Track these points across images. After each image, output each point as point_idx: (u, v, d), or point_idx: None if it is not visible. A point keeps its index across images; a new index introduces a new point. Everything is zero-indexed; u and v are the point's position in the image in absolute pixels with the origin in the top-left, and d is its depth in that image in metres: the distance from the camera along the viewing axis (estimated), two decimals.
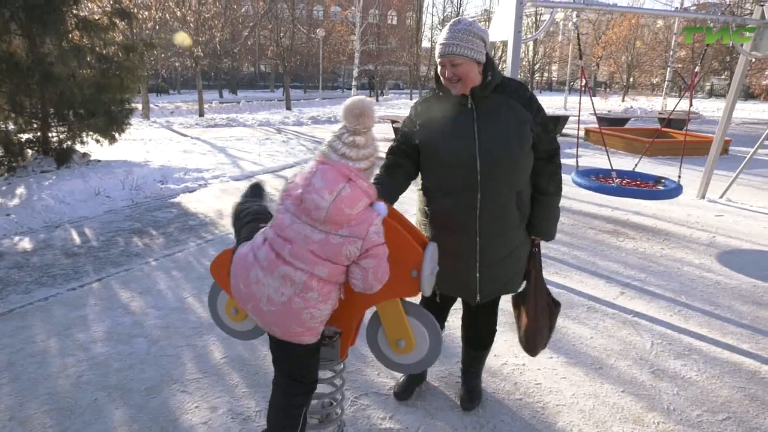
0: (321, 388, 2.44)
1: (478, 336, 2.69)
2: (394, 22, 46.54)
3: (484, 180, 2.20)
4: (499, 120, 2.20)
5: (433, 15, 41.12)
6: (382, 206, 1.95)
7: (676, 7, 24.58)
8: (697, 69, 6.32)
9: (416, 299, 2.19)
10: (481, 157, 2.18)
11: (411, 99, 32.89)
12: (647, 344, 3.44)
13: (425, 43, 38.48)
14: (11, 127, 8.30)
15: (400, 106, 27.58)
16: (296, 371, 2.06)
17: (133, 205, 6.69)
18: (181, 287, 4.19)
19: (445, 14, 33.11)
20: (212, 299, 2.40)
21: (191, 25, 18.00)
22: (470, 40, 2.13)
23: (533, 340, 2.54)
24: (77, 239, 5.34)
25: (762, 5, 6.26)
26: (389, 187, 2.34)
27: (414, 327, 2.14)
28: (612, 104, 28.70)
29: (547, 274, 4.52)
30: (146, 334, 3.46)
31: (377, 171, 2.16)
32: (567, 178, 6.88)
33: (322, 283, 1.86)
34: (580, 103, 6.17)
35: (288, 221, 1.86)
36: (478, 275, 2.34)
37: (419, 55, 31.38)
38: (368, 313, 2.19)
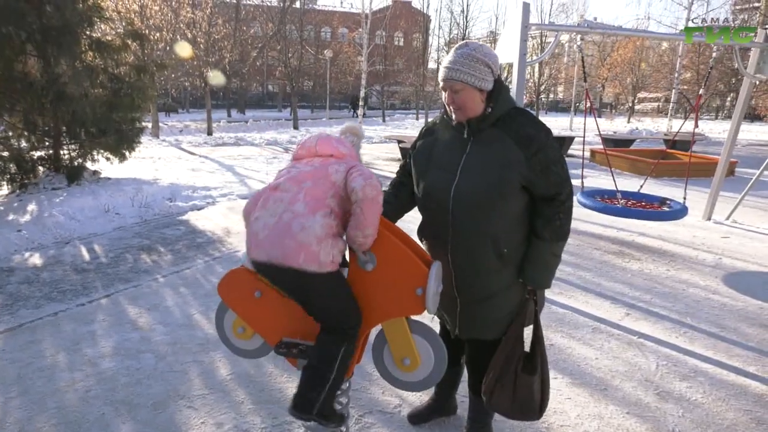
0: None
1: (471, 377, 2.46)
2: (401, 44, 47.12)
3: (454, 218, 2.11)
4: (486, 159, 2.06)
5: (439, 37, 41.51)
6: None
7: (680, 30, 24.78)
8: (701, 92, 6.37)
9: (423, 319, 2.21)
10: (454, 196, 2.09)
11: (417, 119, 33.12)
12: (652, 366, 3.44)
13: (431, 64, 38.89)
14: (24, 144, 8.45)
15: (406, 126, 27.80)
16: (319, 313, 2.04)
17: (142, 222, 6.77)
18: (189, 304, 4.23)
19: (451, 36, 33.46)
20: (219, 318, 2.43)
21: (201, 46, 18.32)
22: (473, 65, 2.02)
23: (494, 391, 2.23)
24: (87, 255, 5.41)
25: (766, 29, 6.34)
26: (391, 204, 2.38)
27: (419, 345, 2.16)
28: (617, 125, 28.78)
29: (551, 295, 4.53)
30: (154, 349, 3.49)
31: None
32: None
33: (309, 195, 1.96)
34: (585, 124, 6.22)
35: (285, 173, 2.11)
36: (458, 310, 2.27)
37: (425, 76, 31.68)
38: (374, 332, 2.22)
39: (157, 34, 16.20)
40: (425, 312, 2.04)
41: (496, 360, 2.22)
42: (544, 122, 2.14)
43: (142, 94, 9.04)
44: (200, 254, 5.51)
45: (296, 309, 2.16)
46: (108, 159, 9.20)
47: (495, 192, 2.03)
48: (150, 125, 16.93)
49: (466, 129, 2.13)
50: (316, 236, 1.91)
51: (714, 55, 6.08)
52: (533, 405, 2.24)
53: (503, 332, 2.26)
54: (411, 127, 26.32)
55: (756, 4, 25.23)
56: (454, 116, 2.14)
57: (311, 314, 2.07)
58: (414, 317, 2.18)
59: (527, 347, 2.27)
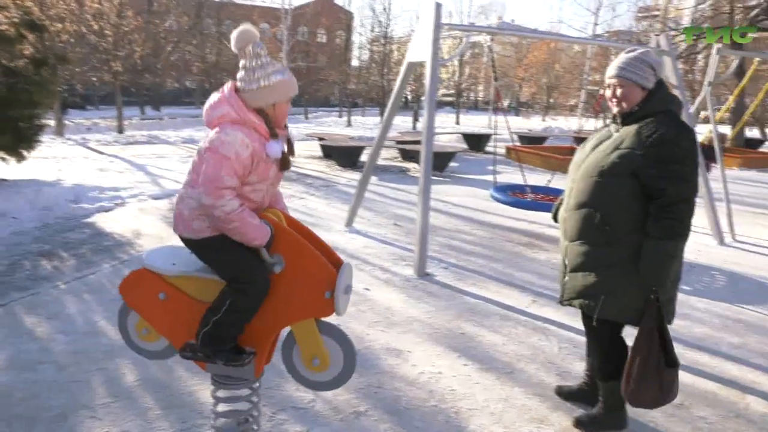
0: (238, 405, 2.43)
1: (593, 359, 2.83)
2: (324, 41, 46.81)
3: (575, 189, 2.53)
4: (612, 143, 2.45)
5: (361, 34, 41.43)
6: (273, 145, 2.07)
7: (591, 35, 26.24)
8: (601, 91, 6.80)
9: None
10: (581, 169, 2.52)
11: (340, 117, 33.01)
12: (555, 348, 3.65)
13: (355, 62, 38.88)
14: None
15: (329, 123, 27.66)
16: (216, 271, 2.15)
17: (42, 226, 6.34)
18: (93, 310, 4.02)
19: (373, 33, 33.49)
20: (122, 320, 2.35)
21: (109, 39, 17.34)
22: (638, 65, 2.40)
23: (635, 388, 2.40)
24: None
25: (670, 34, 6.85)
26: None
27: (329, 345, 2.18)
28: (533, 123, 30.07)
29: (464, 285, 4.70)
30: (54, 360, 3.29)
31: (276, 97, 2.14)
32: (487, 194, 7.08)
33: (192, 169, 2.08)
34: (495, 122, 6.49)
35: None
36: (566, 278, 2.63)
37: (349, 74, 31.63)
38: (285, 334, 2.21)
39: (59, 25, 15.17)
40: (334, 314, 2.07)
41: (631, 359, 2.41)
42: (688, 126, 2.43)
43: (41, 90, 8.45)
44: (107, 258, 5.24)
45: (202, 311, 2.12)
46: (3, 159, 8.52)
47: (604, 170, 2.40)
48: (53, 123, 15.84)
49: (619, 118, 2.51)
50: (189, 207, 2.08)
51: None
52: (674, 394, 2.46)
53: (596, 311, 2.48)
54: (334, 125, 26.21)
55: (655, 13, 27.11)
56: (614, 109, 2.51)
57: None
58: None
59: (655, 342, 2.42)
